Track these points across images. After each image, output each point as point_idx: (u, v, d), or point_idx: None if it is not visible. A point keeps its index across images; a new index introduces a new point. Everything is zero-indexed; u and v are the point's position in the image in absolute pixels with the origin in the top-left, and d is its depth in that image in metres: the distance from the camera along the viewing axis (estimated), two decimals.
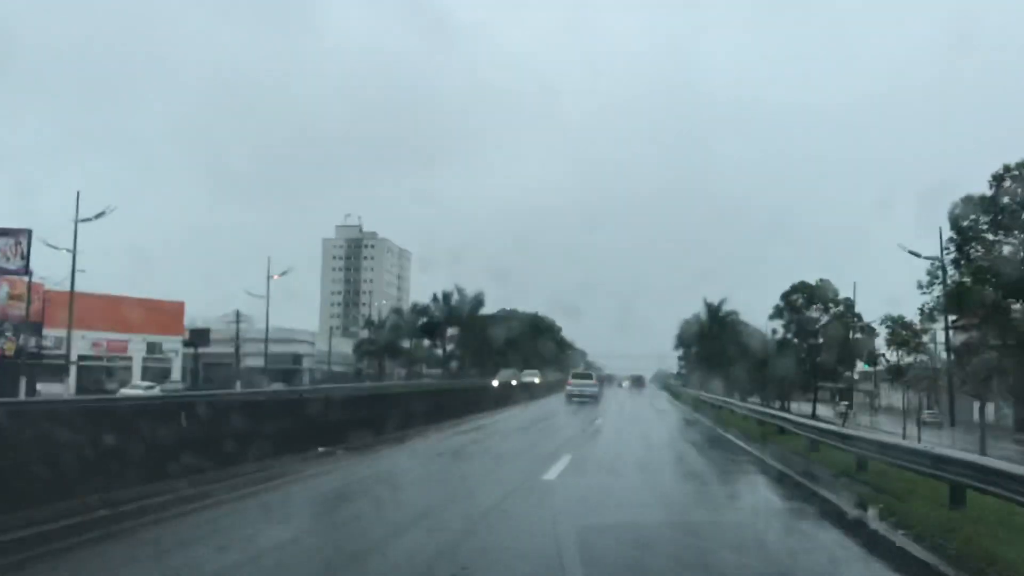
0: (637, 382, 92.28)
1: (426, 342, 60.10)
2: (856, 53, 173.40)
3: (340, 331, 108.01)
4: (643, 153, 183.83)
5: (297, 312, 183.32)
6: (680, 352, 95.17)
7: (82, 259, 42.40)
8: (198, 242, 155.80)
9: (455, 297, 60.07)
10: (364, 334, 62.88)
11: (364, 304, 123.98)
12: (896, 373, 46.58)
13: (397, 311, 61.55)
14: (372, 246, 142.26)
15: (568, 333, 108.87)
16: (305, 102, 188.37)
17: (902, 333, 40.41)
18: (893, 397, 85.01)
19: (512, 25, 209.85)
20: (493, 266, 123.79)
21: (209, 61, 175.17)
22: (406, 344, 61.02)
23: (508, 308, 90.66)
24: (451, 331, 59.34)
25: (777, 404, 59.85)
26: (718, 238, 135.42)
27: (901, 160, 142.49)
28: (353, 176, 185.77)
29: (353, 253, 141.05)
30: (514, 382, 44.72)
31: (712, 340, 54.84)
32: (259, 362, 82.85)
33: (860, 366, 57.04)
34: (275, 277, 53.01)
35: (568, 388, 44.19)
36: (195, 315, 70.86)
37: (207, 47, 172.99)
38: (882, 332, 46.94)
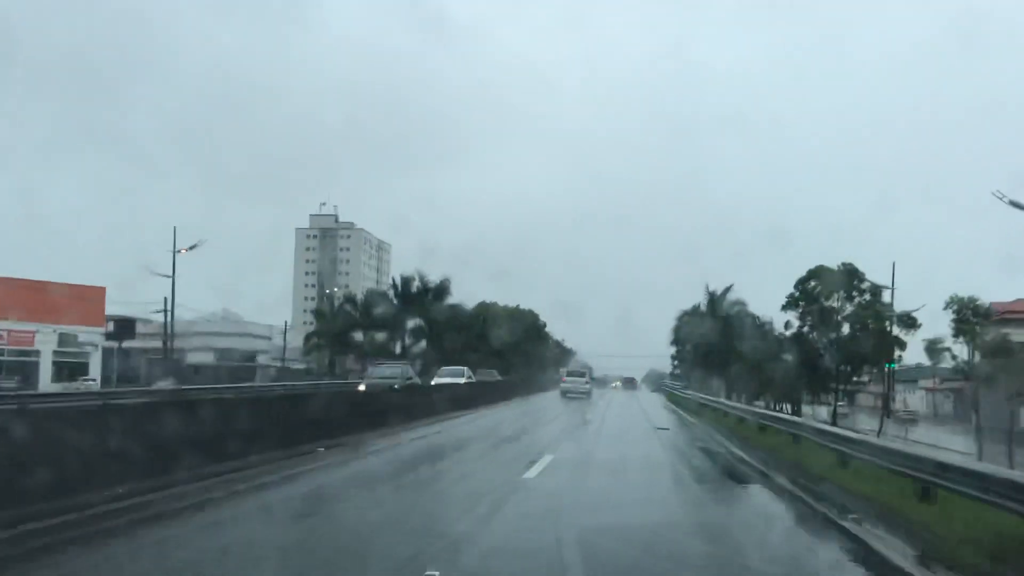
0: (628, 384, 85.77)
1: (381, 335, 51.72)
2: (854, 52, 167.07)
3: (313, 325, 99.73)
4: (639, 153, 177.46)
5: (273, 306, 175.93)
6: (675, 350, 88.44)
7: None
8: (189, 239, 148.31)
9: (415, 284, 51.82)
10: (313, 325, 54.38)
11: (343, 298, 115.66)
12: (967, 372, 37.94)
13: (351, 299, 53.04)
14: (348, 236, 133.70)
15: (559, 333, 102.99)
16: (299, 98, 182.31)
17: (973, 323, 31.92)
18: (910, 400, 77.45)
19: (509, 24, 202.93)
20: (483, 264, 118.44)
21: (202, 57, 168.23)
22: (360, 337, 52.61)
23: (488, 302, 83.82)
24: (412, 323, 50.98)
25: (789, 408, 51.72)
26: (715, 240, 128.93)
27: (901, 159, 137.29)
28: (345, 173, 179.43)
29: (328, 244, 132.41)
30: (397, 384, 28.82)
31: (715, 334, 46.56)
32: (211, 357, 74.98)
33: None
34: (182, 251, 44.30)
35: (562, 385, 48.87)
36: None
37: (200, 41, 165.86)
38: (943, 319, 38.08)
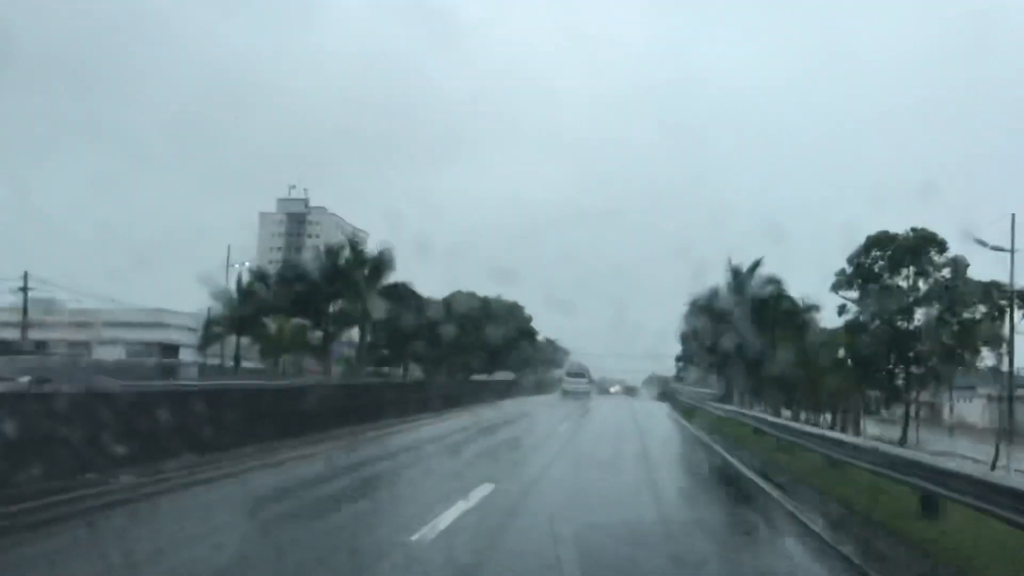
0: (629, 391, 77.31)
1: (299, 321, 39.31)
2: (857, 55, 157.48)
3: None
4: (640, 153, 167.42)
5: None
6: (680, 350, 76.70)
7: None
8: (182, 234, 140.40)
9: (345, 255, 39.38)
10: (215, 307, 41.76)
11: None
12: None
13: (262, 277, 40.46)
14: (319, 223, 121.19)
15: (555, 333, 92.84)
16: (297, 96, 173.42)
17: None
18: (966, 410, 64.96)
19: (511, 26, 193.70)
20: (479, 264, 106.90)
21: (202, 53, 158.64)
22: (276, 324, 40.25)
23: (465, 291, 72.51)
24: (338, 305, 38.50)
25: (838, 422, 39.30)
26: (719, 242, 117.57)
27: (901, 159, 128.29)
28: (341, 170, 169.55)
29: (295, 230, 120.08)
30: None
31: (744, 323, 34.03)
32: (118, 352, 62.75)
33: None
34: None
35: (563, 385, 53.07)
36: None
37: (200, 37, 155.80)
38: None
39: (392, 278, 39.32)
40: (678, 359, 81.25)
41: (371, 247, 56.00)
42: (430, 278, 67.47)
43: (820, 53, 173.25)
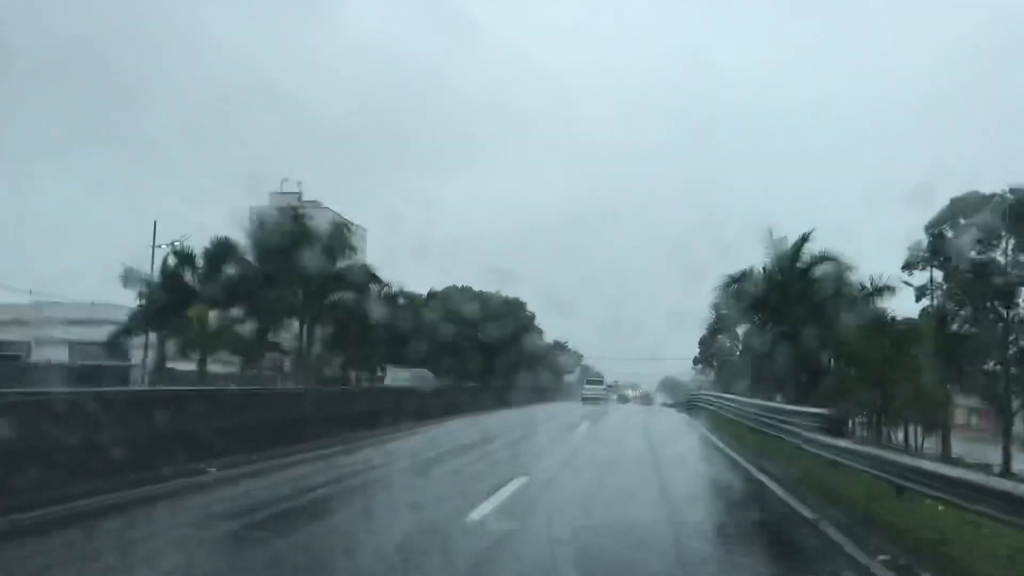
0: (646, 400, 72.89)
1: (233, 311, 31.50)
2: (872, 53, 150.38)
3: None
4: (649, 152, 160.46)
5: None
6: (699, 350, 69.19)
7: None
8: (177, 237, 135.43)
9: (286, 229, 31.80)
10: (135, 299, 34.15)
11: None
12: None
13: (187, 257, 32.42)
14: (313, 219, 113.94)
15: (562, 336, 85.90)
16: (305, 97, 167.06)
17: None
18: None
19: (524, 26, 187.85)
20: (484, 263, 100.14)
21: (207, 53, 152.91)
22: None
23: (460, 286, 65.60)
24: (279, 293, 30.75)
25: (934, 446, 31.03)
26: (726, 243, 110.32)
27: (906, 161, 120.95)
28: (346, 172, 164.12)
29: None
30: None
31: (801, 310, 25.84)
32: (61, 354, 55.38)
33: None
34: None
35: (583, 392, 56.52)
36: None
37: (206, 37, 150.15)
38: None
39: (387, 278, 32.00)
40: (696, 361, 73.40)
41: (357, 241, 48.75)
42: (433, 280, 61.29)
43: (837, 52, 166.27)
